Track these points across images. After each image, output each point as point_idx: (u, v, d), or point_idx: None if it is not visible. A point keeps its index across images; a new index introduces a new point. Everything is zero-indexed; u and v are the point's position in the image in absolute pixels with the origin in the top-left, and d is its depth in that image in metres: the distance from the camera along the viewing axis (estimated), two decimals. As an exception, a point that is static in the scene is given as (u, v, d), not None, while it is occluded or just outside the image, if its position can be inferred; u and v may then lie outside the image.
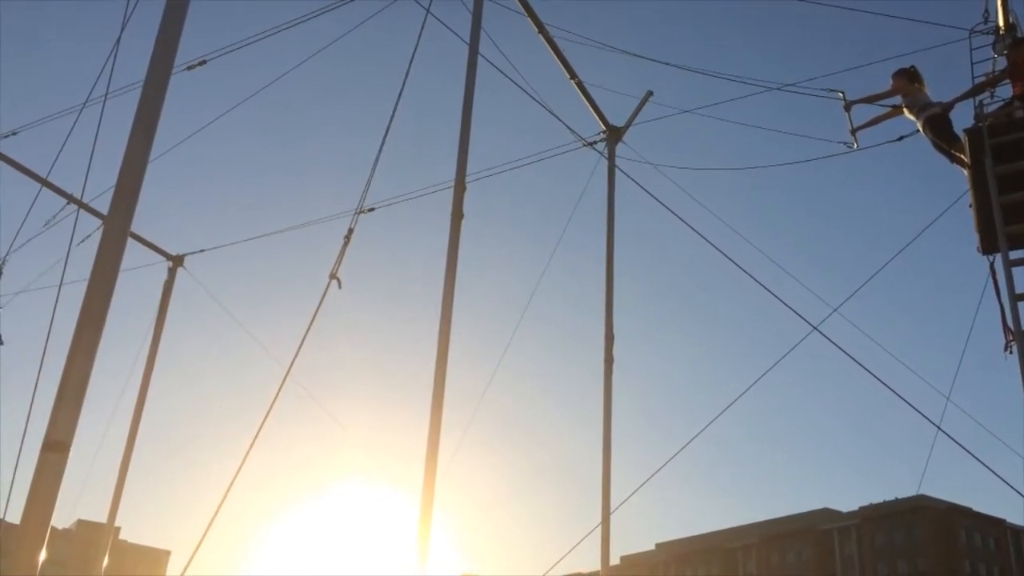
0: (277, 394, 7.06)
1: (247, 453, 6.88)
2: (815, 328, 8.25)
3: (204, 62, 9.95)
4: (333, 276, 7.49)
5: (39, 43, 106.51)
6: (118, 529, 10.83)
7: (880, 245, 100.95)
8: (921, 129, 8.80)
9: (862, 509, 67.19)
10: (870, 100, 9.40)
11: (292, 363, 7.15)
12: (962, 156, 8.45)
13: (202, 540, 6.81)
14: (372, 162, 7.63)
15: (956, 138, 8.49)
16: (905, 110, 9.03)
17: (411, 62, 7.89)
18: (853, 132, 9.57)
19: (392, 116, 7.79)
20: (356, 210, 7.75)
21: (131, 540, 70.10)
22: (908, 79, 8.97)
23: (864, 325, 10.07)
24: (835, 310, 8.75)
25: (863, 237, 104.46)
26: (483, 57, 8.62)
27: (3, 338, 11.76)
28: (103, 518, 12.77)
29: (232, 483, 6.79)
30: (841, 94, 9.52)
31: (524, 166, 11.47)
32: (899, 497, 64.13)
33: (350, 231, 7.76)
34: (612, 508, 9.61)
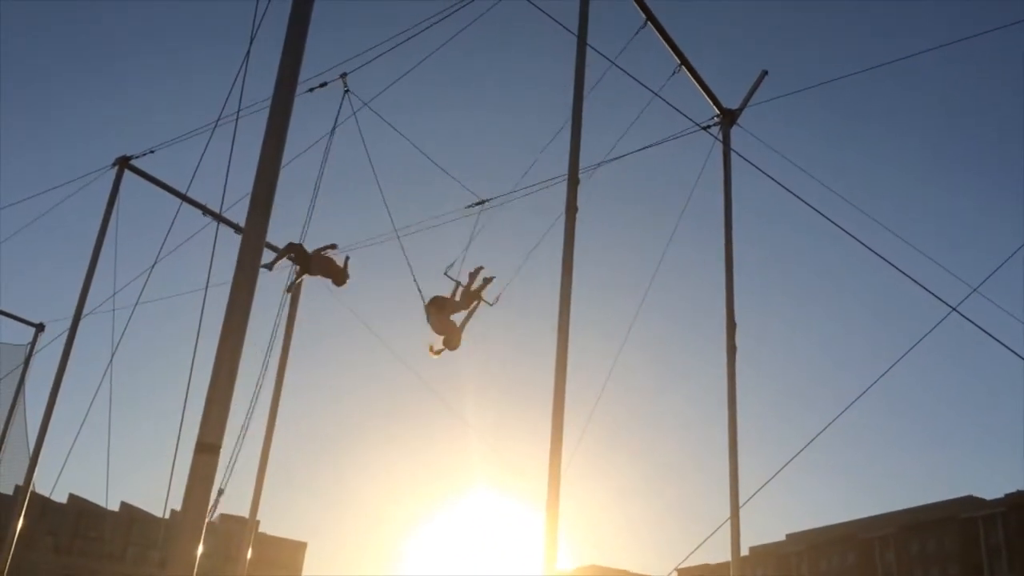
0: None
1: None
2: (954, 309, 7.83)
3: (325, 84, 11.27)
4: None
5: (170, 66, 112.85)
6: (258, 523, 11.40)
7: (1020, 219, 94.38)
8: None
9: (1008, 496, 63.37)
10: None
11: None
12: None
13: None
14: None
15: None
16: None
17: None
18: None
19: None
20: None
21: (269, 532, 73.52)
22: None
23: (1006, 304, 9.51)
24: (975, 290, 8.28)
25: (1001, 212, 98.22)
26: (591, 47, 8.56)
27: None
28: (244, 512, 13.46)
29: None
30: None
31: (636, 153, 11.32)
32: (1051, 484, 60.20)
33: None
34: (741, 501, 9.40)
